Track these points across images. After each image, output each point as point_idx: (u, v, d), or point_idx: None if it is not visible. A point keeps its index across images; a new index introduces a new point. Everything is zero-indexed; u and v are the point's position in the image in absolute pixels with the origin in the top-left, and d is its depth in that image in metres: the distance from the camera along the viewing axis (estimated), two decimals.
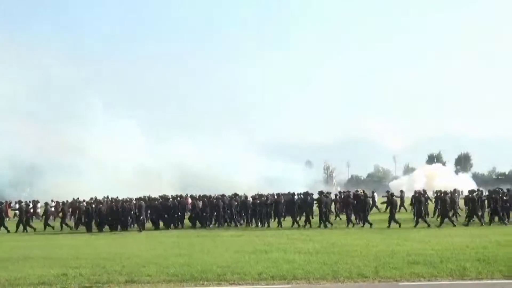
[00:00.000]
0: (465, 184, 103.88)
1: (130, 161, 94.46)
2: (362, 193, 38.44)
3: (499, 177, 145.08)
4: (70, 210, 43.10)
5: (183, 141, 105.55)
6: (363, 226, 35.24)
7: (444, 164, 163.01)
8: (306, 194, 39.51)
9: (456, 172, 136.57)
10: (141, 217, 37.15)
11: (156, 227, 38.02)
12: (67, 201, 45.73)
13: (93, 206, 38.68)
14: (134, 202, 38.84)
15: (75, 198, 46.52)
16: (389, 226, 33.83)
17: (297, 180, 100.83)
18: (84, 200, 42.22)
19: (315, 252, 22.03)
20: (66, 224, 40.00)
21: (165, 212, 38.46)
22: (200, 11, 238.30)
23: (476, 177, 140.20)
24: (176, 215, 38.41)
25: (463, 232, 29.30)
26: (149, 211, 38.60)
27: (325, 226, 35.27)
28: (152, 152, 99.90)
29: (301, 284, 15.74)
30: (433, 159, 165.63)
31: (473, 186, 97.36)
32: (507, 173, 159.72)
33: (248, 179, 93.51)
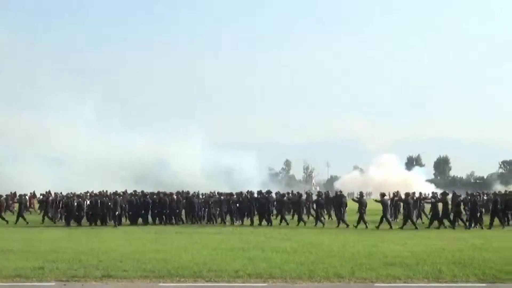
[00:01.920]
0: (419, 183, 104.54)
1: (82, 152, 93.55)
2: (340, 193, 38.78)
3: (477, 181, 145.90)
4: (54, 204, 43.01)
5: (136, 133, 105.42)
6: (337, 226, 35.57)
7: (423, 167, 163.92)
8: (300, 195, 40.16)
9: (433, 177, 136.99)
10: (117, 212, 37.08)
11: (132, 222, 37.99)
12: (47, 192, 45.67)
13: (73, 200, 38.60)
14: (113, 197, 38.75)
15: (47, 191, 46.51)
16: (356, 226, 34.33)
17: (254, 178, 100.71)
18: (61, 193, 42.27)
19: (293, 251, 22.07)
20: (49, 217, 39.99)
21: (144, 209, 38.42)
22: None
23: (454, 180, 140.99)
24: (156, 211, 38.39)
25: (440, 235, 29.46)
26: (126, 206, 38.43)
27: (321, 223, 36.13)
28: (105, 143, 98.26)
29: (278, 283, 15.78)
30: (412, 161, 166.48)
31: (429, 187, 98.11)
32: (485, 177, 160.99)
33: (202, 174, 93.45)
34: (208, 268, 17.61)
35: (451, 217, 35.06)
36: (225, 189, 49.89)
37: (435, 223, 34.75)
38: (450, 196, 37.71)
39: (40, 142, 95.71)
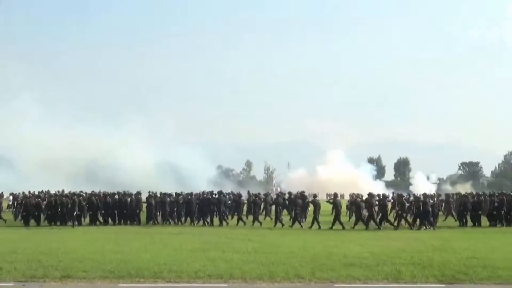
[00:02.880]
0: (366, 182, 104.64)
1: (27, 150, 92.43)
2: (302, 193, 38.89)
3: (436, 182, 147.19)
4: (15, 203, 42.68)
5: (83, 131, 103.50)
6: (290, 225, 35.77)
7: (383, 168, 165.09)
8: (240, 195, 40.42)
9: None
10: (75, 213, 36.79)
11: (101, 223, 37.73)
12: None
13: (33, 199, 38.26)
14: (75, 197, 38.43)
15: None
16: (331, 228, 34.32)
17: (205, 178, 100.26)
18: (22, 193, 41.94)
19: (253, 251, 22.08)
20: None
21: (117, 209, 38.22)
22: None
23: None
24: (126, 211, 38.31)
25: (399, 236, 29.62)
26: (86, 207, 38.11)
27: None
28: (51, 141, 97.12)
29: (238, 284, 15.80)
30: (372, 162, 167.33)
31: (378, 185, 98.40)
32: (444, 178, 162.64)
33: (152, 172, 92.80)
34: (168, 268, 17.55)
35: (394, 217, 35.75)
36: (176, 189, 49.75)
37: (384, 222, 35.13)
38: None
39: None
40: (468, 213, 37.49)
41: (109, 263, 18.71)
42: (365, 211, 35.22)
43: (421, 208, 34.57)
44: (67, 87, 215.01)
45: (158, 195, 39.57)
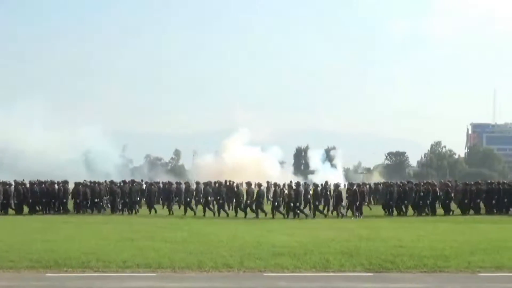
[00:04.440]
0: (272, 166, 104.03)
1: None
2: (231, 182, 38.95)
3: (363, 172, 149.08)
4: None
5: None
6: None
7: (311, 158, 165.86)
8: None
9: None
10: None
11: (19, 212, 37.09)
12: None
13: None
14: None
15: None
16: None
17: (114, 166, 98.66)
18: None
19: (182, 241, 22.04)
20: None
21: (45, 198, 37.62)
22: None
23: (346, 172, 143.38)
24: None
25: (329, 225, 29.86)
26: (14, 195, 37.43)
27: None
28: None
29: (166, 273, 15.77)
30: (300, 152, 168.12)
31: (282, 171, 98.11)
32: (371, 168, 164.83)
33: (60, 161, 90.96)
34: (96, 258, 17.37)
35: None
36: (86, 177, 49.28)
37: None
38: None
39: None
40: (394, 203, 38.09)
41: (36, 252, 18.44)
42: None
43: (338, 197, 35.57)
44: None
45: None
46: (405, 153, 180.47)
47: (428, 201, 37.08)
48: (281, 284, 14.73)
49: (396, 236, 24.23)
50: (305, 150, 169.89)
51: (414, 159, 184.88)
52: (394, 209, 37.71)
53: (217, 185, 38.32)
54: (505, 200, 37.91)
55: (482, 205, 38.51)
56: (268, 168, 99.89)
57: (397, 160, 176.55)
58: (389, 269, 16.50)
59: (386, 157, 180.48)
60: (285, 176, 77.10)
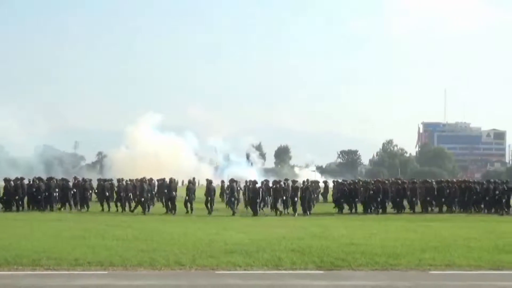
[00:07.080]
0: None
1: None
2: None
3: (316, 170, 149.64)
4: None
5: None
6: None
7: (264, 155, 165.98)
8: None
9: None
10: None
11: None
12: None
13: None
14: None
15: None
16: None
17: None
18: None
19: (134, 238, 21.96)
20: None
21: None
22: None
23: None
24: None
25: (282, 223, 29.96)
26: None
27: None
28: None
29: (118, 271, 15.69)
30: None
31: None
32: (324, 166, 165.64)
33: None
34: (47, 256, 17.22)
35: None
36: None
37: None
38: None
39: None
40: (345, 200, 38.47)
41: None
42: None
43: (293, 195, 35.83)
44: None
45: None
46: (357, 151, 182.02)
47: (379, 199, 37.39)
48: (233, 282, 14.75)
49: (348, 234, 24.41)
50: (258, 147, 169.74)
51: (366, 157, 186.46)
52: (344, 206, 38.08)
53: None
54: (456, 199, 38.61)
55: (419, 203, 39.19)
56: (184, 157, 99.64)
57: (350, 158, 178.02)
58: (340, 267, 16.60)
59: (339, 155, 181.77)
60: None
